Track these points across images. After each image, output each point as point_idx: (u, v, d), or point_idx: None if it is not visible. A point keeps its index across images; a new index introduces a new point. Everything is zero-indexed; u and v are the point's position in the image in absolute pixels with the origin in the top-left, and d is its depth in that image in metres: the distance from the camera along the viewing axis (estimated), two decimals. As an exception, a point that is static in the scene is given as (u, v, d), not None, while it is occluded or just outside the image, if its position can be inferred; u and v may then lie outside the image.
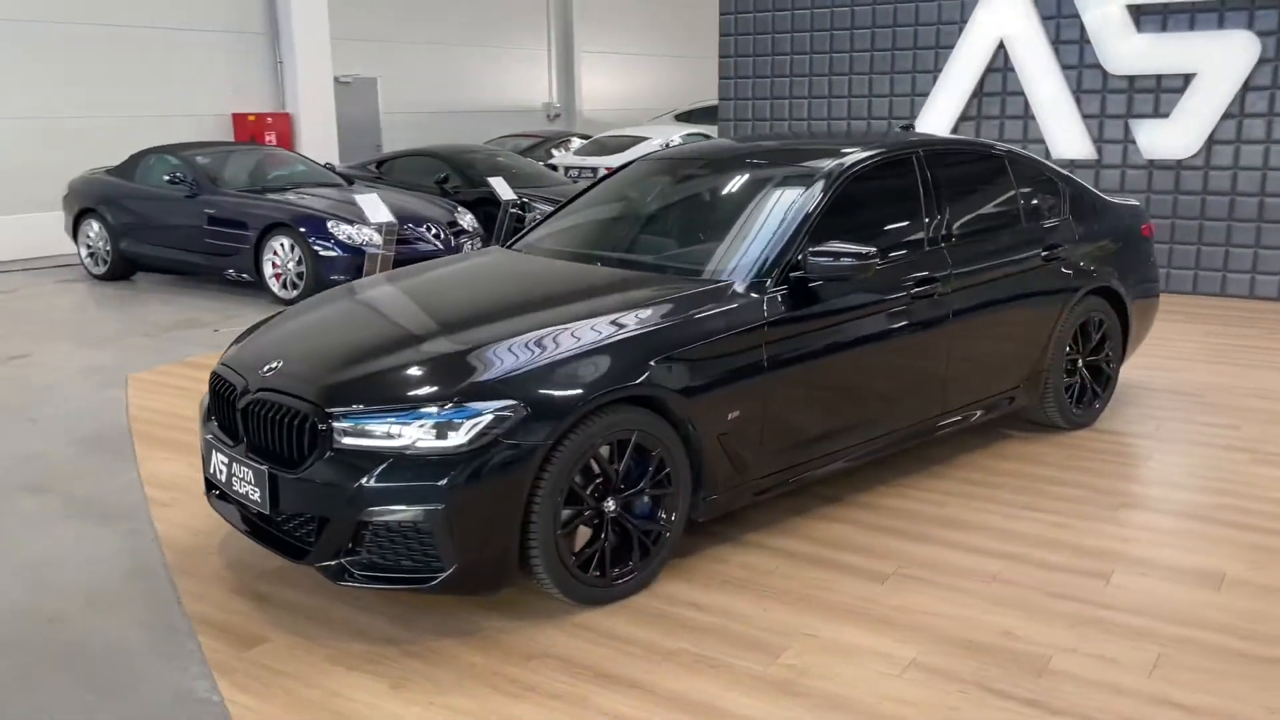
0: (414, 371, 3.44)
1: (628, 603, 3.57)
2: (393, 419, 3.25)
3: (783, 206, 4.27)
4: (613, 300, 3.85)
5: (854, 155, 4.53)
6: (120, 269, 10.66)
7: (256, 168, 10.73)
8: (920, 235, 4.61)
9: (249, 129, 14.46)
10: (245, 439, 3.54)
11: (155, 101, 13.48)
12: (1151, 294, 5.83)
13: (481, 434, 3.21)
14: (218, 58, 14.18)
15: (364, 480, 3.19)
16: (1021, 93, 9.70)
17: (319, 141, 14.99)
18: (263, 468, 3.40)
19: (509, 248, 4.91)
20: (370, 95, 17.08)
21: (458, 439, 3.20)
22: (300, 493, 3.31)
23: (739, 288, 3.91)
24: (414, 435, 3.22)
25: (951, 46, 9.96)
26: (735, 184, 4.75)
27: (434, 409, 3.24)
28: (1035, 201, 5.25)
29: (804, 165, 4.51)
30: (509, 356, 3.44)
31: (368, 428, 3.25)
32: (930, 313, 4.48)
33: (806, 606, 3.56)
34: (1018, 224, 5.10)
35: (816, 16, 10.74)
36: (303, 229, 9.05)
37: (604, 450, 3.47)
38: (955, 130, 10.02)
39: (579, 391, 3.35)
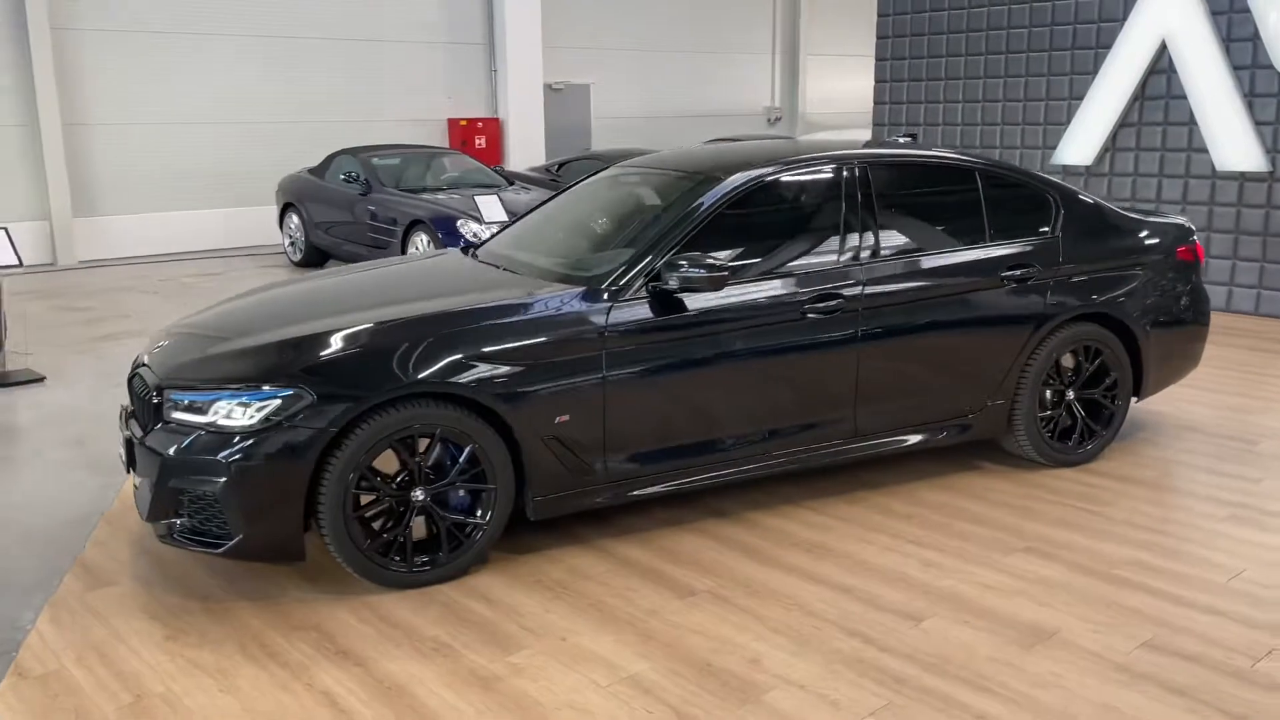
0: (235, 357, 3.79)
1: (428, 590, 3.75)
2: (203, 398, 3.62)
3: (660, 218, 4.28)
4: (453, 301, 4.01)
5: (754, 170, 4.42)
6: (313, 256, 11.93)
7: (428, 169, 11.65)
8: (832, 251, 4.43)
9: (461, 133, 15.57)
10: (131, 407, 4.06)
11: (382, 108, 14.79)
12: (1185, 323, 5.22)
13: (269, 417, 3.52)
14: (437, 67, 15.35)
15: (173, 450, 3.58)
16: (1187, 97, 8.77)
17: (526, 145, 15.89)
18: (127, 434, 3.89)
19: (468, 252, 5.16)
20: (583, 101, 17.83)
21: (247, 419, 3.53)
22: (142, 458, 3.76)
23: (584, 294, 3.96)
24: (216, 414, 3.58)
25: (1110, 46, 9.16)
26: (644, 196, 4.77)
27: (232, 391, 3.59)
28: (1008, 218, 4.87)
29: (700, 177, 4.45)
30: (316, 348, 3.72)
31: (188, 404, 3.65)
32: (832, 331, 4.31)
33: (588, 611, 3.59)
34: (979, 242, 4.76)
35: (973, 16, 10.19)
36: (436, 226, 9.76)
37: (422, 441, 3.68)
38: (1114, 137, 9.20)
39: (369, 383, 3.58)
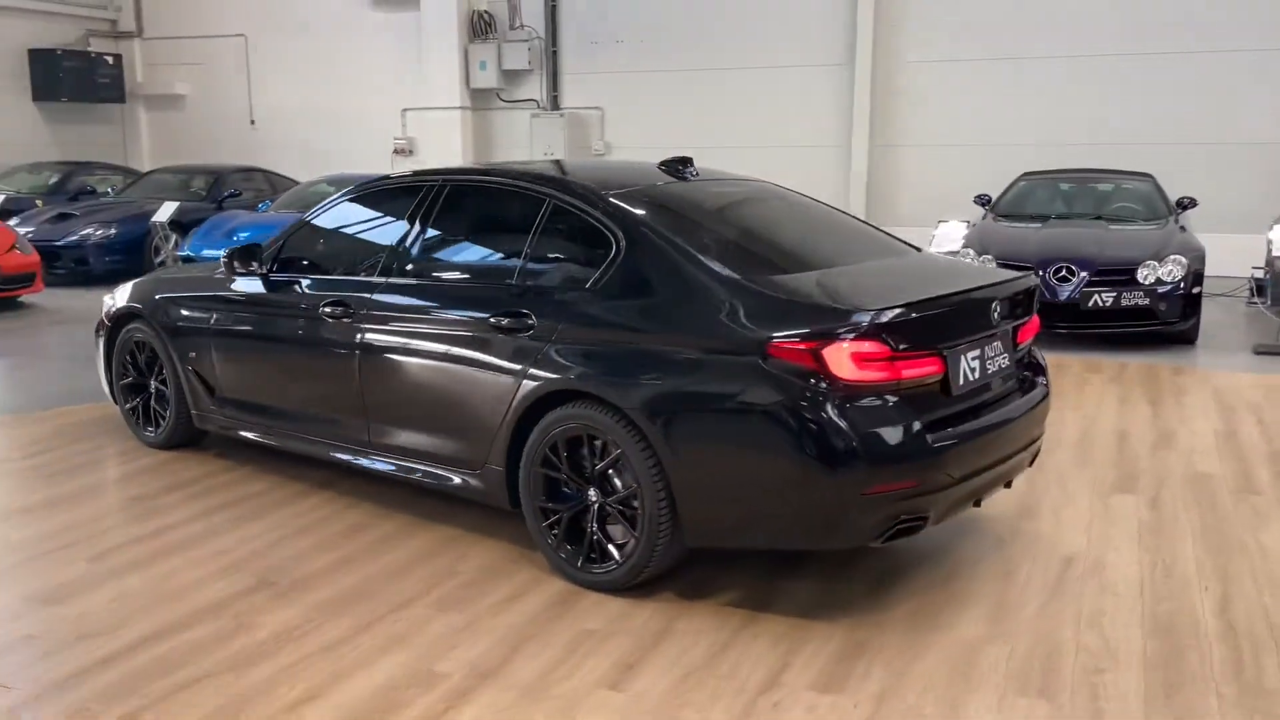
0: None
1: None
2: None
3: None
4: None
5: (370, 181, 4.80)
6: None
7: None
8: (374, 262, 4.55)
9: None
10: None
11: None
12: (766, 452, 3.40)
13: None
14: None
15: None
16: None
17: None
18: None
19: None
20: None
21: None
22: None
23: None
24: None
25: None
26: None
27: None
28: (551, 255, 4.00)
29: (348, 186, 4.99)
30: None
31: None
32: (337, 336, 4.54)
33: None
34: (504, 277, 4.09)
35: None
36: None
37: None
38: None
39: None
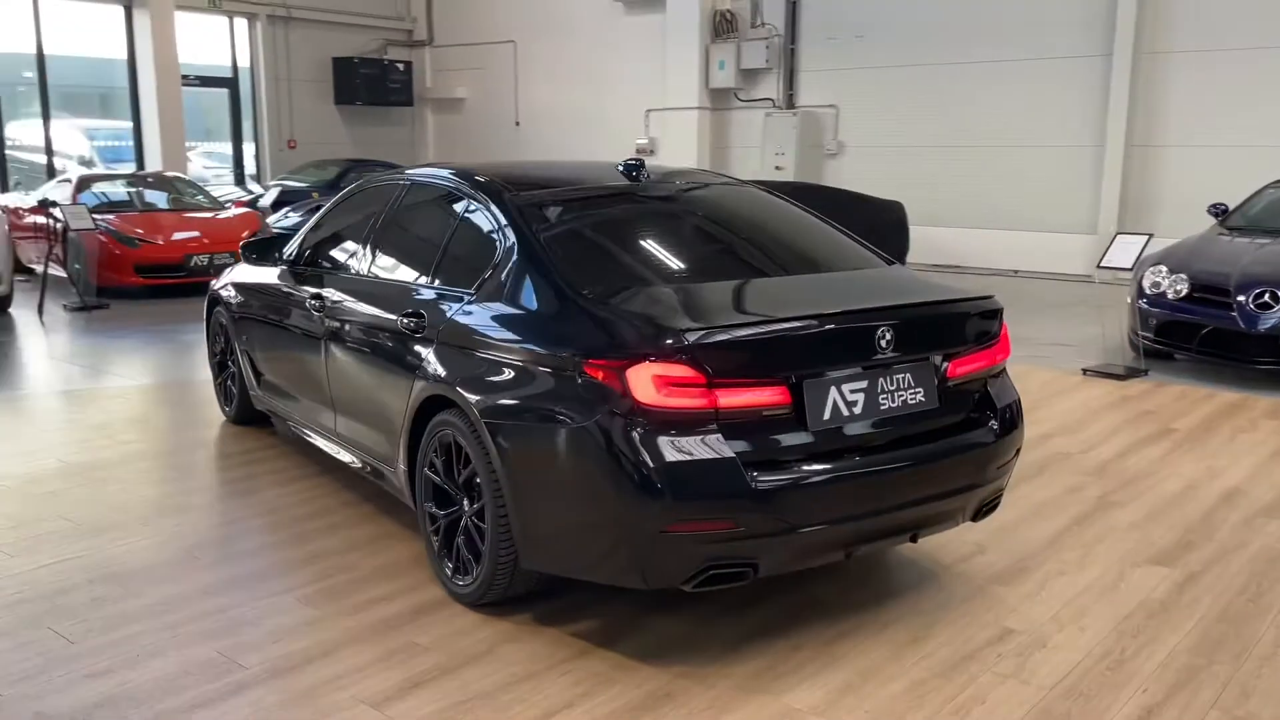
0: None
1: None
2: None
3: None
4: None
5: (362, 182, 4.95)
6: None
7: None
8: (342, 259, 4.72)
9: None
10: None
11: None
12: (579, 476, 3.17)
13: None
14: None
15: None
16: None
17: None
18: None
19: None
20: None
21: None
22: None
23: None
24: None
25: None
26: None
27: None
28: (464, 255, 3.93)
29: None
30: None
31: None
32: (313, 329, 4.72)
33: None
34: (421, 275, 4.12)
35: None
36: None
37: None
38: None
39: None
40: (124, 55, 16.27)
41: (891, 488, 3.32)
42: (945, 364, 3.49)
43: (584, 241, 3.80)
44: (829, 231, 4.24)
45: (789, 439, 3.17)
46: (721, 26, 15.71)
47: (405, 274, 4.33)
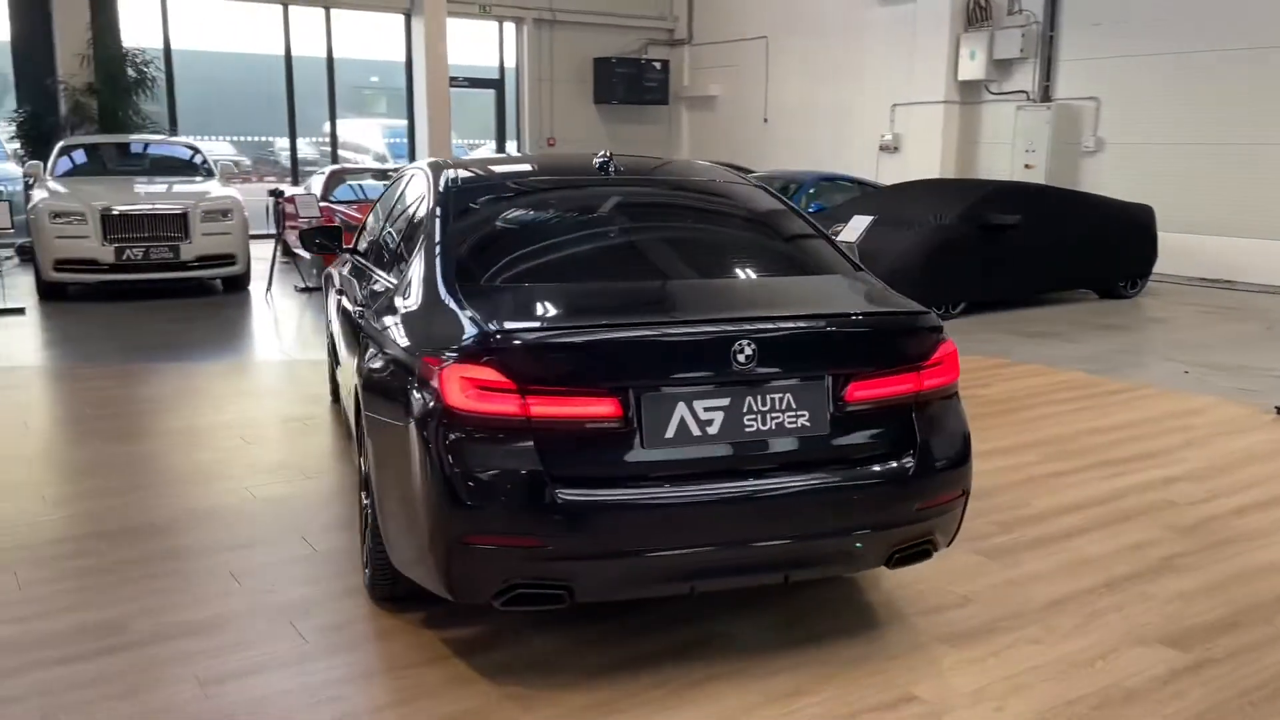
0: None
1: None
2: None
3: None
4: None
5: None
6: None
7: None
8: (368, 246, 4.81)
9: None
10: None
11: None
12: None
13: None
14: None
15: None
16: None
17: None
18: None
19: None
20: None
21: None
22: None
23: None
24: None
25: None
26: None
27: None
28: (405, 244, 3.95)
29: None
30: None
31: None
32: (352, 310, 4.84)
33: None
34: (391, 264, 4.12)
35: None
36: None
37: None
38: None
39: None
40: (403, 59, 17.68)
41: (749, 519, 2.94)
42: (845, 386, 3.04)
43: (493, 233, 3.66)
44: (798, 237, 3.83)
45: (620, 456, 2.88)
46: (975, 14, 14.67)
47: (386, 263, 4.36)
